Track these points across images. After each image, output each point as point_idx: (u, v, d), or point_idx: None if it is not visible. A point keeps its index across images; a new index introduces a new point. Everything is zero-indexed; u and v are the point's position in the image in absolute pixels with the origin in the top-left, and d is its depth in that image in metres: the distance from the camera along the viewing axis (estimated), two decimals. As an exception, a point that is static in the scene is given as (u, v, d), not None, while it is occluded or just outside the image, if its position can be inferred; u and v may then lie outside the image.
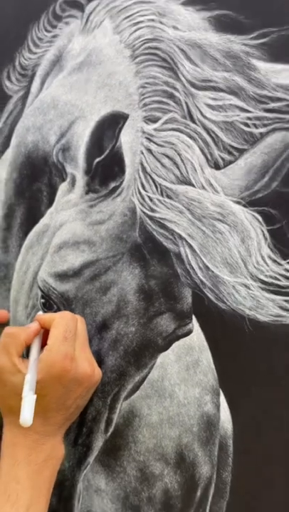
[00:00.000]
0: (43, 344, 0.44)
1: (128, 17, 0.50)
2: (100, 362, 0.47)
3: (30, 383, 0.39)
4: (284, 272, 0.42)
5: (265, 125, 0.44)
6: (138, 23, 0.49)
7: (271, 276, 0.43)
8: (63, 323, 0.43)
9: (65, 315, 0.45)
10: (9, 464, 0.41)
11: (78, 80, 0.51)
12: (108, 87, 0.49)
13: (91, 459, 0.48)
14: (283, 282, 0.42)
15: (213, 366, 0.46)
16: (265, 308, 0.43)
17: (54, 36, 0.53)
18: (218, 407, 0.45)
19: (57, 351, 0.42)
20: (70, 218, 0.50)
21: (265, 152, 0.44)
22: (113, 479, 0.47)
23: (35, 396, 0.39)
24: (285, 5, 0.45)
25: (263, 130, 0.44)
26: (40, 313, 0.49)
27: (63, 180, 0.51)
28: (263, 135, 0.44)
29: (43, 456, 0.42)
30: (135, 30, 0.49)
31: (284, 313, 0.42)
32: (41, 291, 0.50)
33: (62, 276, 0.49)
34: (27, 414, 0.37)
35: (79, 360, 0.42)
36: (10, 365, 0.42)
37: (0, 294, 0.53)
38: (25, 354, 0.45)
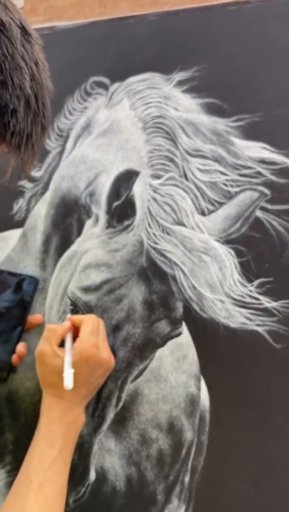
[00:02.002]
0: (74, 337, 0.59)
1: (141, 98, 0.65)
2: (114, 354, 0.61)
3: (69, 362, 0.54)
4: (249, 292, 0.58)
5: (238, 186, 0.59)
6: (149, 103, 0.65)
7: (239, 295, 0.58)
8: (91, 322, 0.58)
9: (92, 316, 0.59)
10: (47, 422, 0.56)
11: (102, 143, 0.67)
12: (125, 150, 0.65)
13: (104, 427, 0.62)
14: (248, 300, 0.57)
15: (196, 359, 0.59)
16: (235, 318, 0.57)
17: (85, 108, 0.69)
18: (199, 389, 0.59)
19: (86, 342, 0.56)
20: (93, 246, 0.65)
21: (238, 205, 0.59)
22: (120, 442, 0.62)
23: (73, 370, 0.54)
24: (256, 99, 0.60)
25: (236, 189, 0.59)
26: (69, 315, 0.64)
27: (89, 217, 0.66)
28: (236, 193, 0.59)
29: (71, 418, 0.57)
30: (146, 109, 0.65)
31: (248, 321, 0.57)
32: (70, 300, 0.65)
33: (86, 290, 0.64)
34: (68, 381, 0.52)
35: (101, 349, 0.57)
36: (51, 351, 0.57)
37: (38, 302, 0.67)
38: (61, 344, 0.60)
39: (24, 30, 0.46)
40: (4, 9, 0.44)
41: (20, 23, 0.46)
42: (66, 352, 0.56)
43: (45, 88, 0.49)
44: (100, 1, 0.70)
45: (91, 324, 0.58)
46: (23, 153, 0.47)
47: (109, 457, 0.62)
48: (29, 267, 0.69)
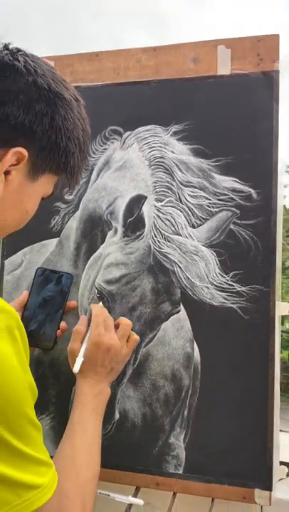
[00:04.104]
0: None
1: (147, 143, 0.90)
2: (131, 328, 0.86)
3: (82, 352, 0.75)
4: (226, 281, 0.83)
5: (218, 207, 0.85)
6: (152, 147, 0.89)
7: (220, 283, 0.83)
8: (96, 319, 0.78)
9: (97, 314, 0.78)
10: (79, 392, 0.76)
11: (119, 175, 0.91)
12: (136, 181, 0.90)
13: (125, 380, 0.86)
14: (225, 286, 0.83)
15: (190, 328, 0.84)
16: (216, 299, 0.83)
17: (104, 149, 0.93)
18: (193, 349, 0.83)
19: (93, 333, 0.76)
20: (114, 250, 0.89)
21: (218, 221, 0.84)
22: (137, 390, 0.87)
23: (82, 359, 0.75)
24: (229, 146, 0.86)
25: (216, 209, 0.84)
26: (83, 316, 0.85)
27: (110, 229, 0.90)
28: (216, 212, 0.84)
29: (97, 390, 0.76)
30: (151, 151, 0.89)
31: (225, 301, 0.83)
32: (97, 290, 0.89)
33: (109, 282, 0.89)
34: (76, 368, 0.74)
35: (106, 336, 0.76)
36: (76, 350, 0.77)
37: (73, 292, 0.89)
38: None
39: (76, 99, 0.70)
40: (66, 90, 0.68)
41: (74, 94, 0.70)
42: (82, 346, 0.77)
43: (88, 134, 0.73)
44: (114, 69, 0.94)
45: (95, 321, 0.78)
46: (75, 178, 0.71)
47: (129, 401, 0.86)
48: (64, 266, 0.92)
